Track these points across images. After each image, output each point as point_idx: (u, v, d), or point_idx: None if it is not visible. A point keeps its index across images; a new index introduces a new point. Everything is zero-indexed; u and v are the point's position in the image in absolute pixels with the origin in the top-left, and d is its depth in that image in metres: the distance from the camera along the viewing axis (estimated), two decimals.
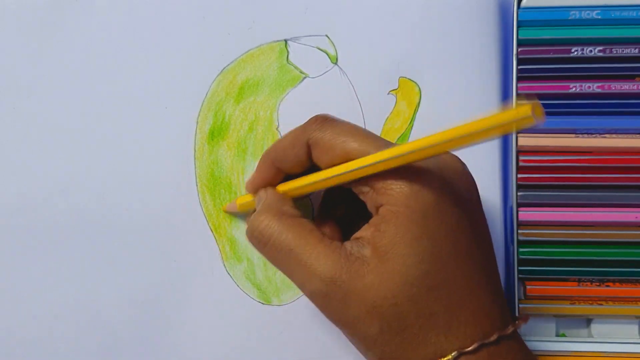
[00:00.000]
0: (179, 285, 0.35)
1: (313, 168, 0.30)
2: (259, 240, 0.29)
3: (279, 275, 0.35)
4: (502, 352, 0.27)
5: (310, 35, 0.36)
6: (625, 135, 0.35)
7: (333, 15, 0.36)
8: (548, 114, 0.35)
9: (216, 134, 0.36)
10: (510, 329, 0.27)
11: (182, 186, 0.35)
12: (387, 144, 0.27)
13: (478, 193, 0.29)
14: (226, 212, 0.35)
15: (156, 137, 0.36)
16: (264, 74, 0.36)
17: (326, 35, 0.36)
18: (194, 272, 0.35)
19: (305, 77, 0.36)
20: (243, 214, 0.35)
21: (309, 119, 0.30)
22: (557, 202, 0.35)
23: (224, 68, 0.36)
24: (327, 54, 0.36)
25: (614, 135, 0.35)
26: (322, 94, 0.36)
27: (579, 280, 0.36)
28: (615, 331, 0.36)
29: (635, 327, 0.36)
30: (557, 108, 0.35)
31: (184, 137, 0.36)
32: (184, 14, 0.36)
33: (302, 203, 0.35)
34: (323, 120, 0.29)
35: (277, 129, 0.36)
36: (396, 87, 0.36)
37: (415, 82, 0.36)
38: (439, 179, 0.27)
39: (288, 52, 0.36)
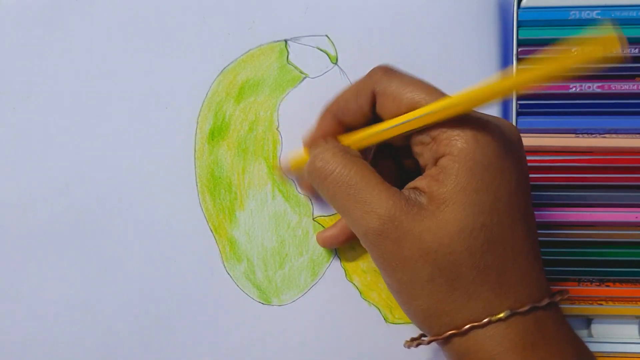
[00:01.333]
0: (179, 285, 0.35)
1: (374, 121, 0.30)
2: (320, 172, 0.29)
3: (279, 275, 0.35)
4: (550, 318, 0.27)
5: (310, 35, 0.36)
6: (625, 135, 0.35)
7: (333, 15, 0.36)
8: (548, 114, 0.35)
9: (216, 134, 0.36)
10: (558, 298, 0.27)
11: (182, 186, 0.35)
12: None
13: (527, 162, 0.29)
14: (278, 173, 0.35)
15: (156, 137, 0.35)
16: (264, 74, 0.36)
17: (326, 35, 0.36)
18: (194, 272, 0.35)
19: (305, 77, 0.36)
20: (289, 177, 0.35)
21: (372, 70, 0.30)
22: (557, 202, 0.35)
23: (224, 68, 0.36)
24: (327, 54, 0.36)
25: (614, 135, 0.35)
26: (322, 94, 0.36)
27: (579, 280, 0.36)
28: (615, 331, 0.36)
29: (635, 327, 0.36)
30: (557, 108, 0.35)
31: (184, 137, 0.36)
32: (184, 14, 0.36)
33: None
34: (388, 70, 0.29)
35: (277, 129, 0.36)
36: None
37: None
38: (502, 137, 0.27)
39: (288, 52, 0.36)
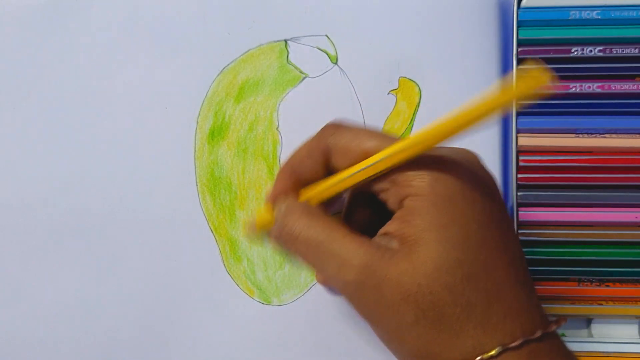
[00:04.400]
0: (179, 285, 0.35)
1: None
2: (288, 237, 0.29)
3: (279, 275, 0.35)
4: (545, 350, 0.26)
5: (310, 35, 0.36)
6: (625, 135, 0.35)
7: (333, 15, 0.36)
8: (548, 114, 0.35)
9: (216, 134, 0.36)
10: (553, 327, 0.26)
11: (182, 186, 0.35)
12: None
13: (497, 184, 0.29)
14: (246, 236, 0.35)
15: (156, 137, 0.36)
16: (264, 74, 0.36)
17: (326, 35, 0.36)
18: (194, 272, 0.35)
19: (305, 77, 0.36)
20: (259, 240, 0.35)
21: (323, 127, 0.30)
22: (557, 202, 0.35)
23: (224, 68, 0.36)
24: (327, 54, 0.36)
25: (614, 135, 0.35)
26: (322, 94, 0.36)
27: (579, 280, 0.36)
28: (615, 331, 0.36)
29: (635, 327, 0.36)
30: (557, 108, 0.35)
31: (184, 137, 0.36)
32: (185, 13, 0.36)
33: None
34: (337, 126, 0.29)
35: (277, 129, 0.36)
36: (396, 87, 0.36)
37: (415, 82, 0.36)
38: (460, 166, 0.27)
39: (288, 52, 0.36)
